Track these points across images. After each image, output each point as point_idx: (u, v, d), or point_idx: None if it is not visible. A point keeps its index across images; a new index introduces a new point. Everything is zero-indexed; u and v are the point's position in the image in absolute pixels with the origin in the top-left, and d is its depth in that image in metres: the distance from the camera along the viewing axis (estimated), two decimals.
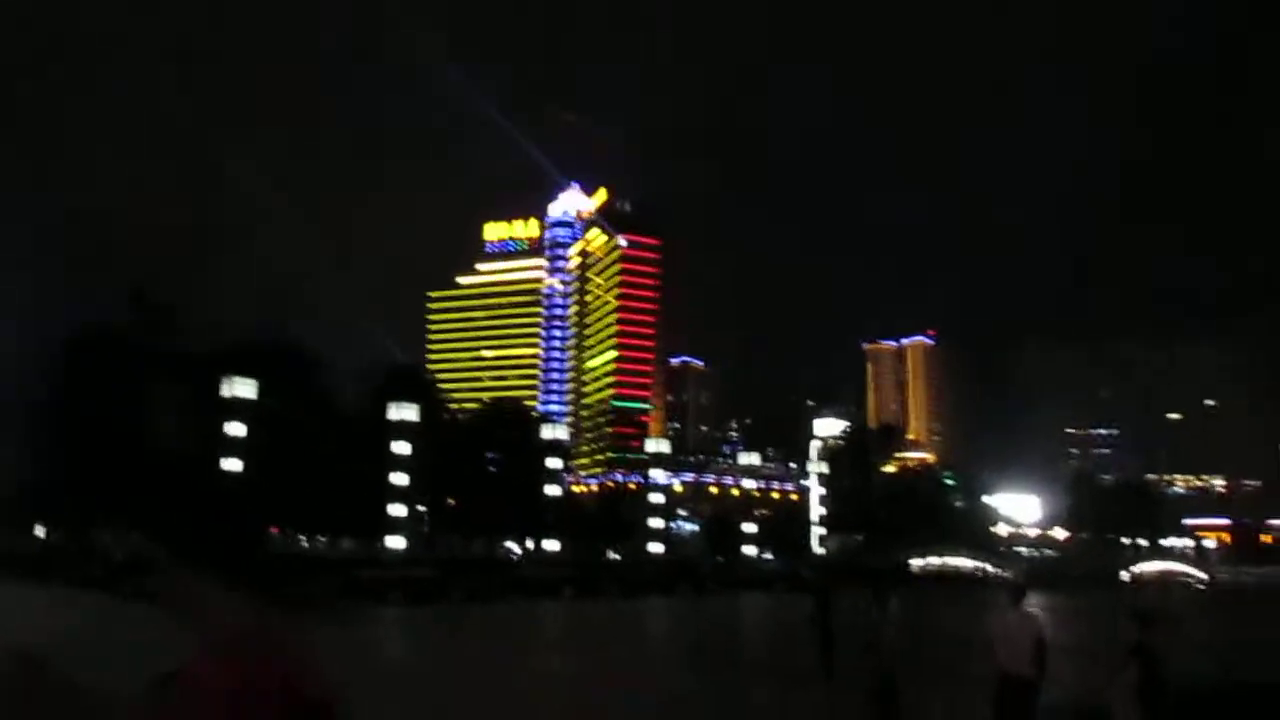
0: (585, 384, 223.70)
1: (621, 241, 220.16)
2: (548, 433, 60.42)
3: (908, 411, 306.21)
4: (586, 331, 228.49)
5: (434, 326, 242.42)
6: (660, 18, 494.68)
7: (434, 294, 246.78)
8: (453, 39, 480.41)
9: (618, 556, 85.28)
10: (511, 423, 76.48)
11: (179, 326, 56.04)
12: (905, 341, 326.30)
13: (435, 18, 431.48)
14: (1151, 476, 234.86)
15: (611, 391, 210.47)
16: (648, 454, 71.40)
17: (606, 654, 25.60)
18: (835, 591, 20.38)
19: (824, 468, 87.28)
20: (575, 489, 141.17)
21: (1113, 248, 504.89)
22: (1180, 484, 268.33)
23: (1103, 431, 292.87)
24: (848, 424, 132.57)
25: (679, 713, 16.12)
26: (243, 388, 45.71)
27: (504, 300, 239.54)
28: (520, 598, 45.61)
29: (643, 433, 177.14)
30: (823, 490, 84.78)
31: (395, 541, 51.66)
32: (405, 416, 50.83)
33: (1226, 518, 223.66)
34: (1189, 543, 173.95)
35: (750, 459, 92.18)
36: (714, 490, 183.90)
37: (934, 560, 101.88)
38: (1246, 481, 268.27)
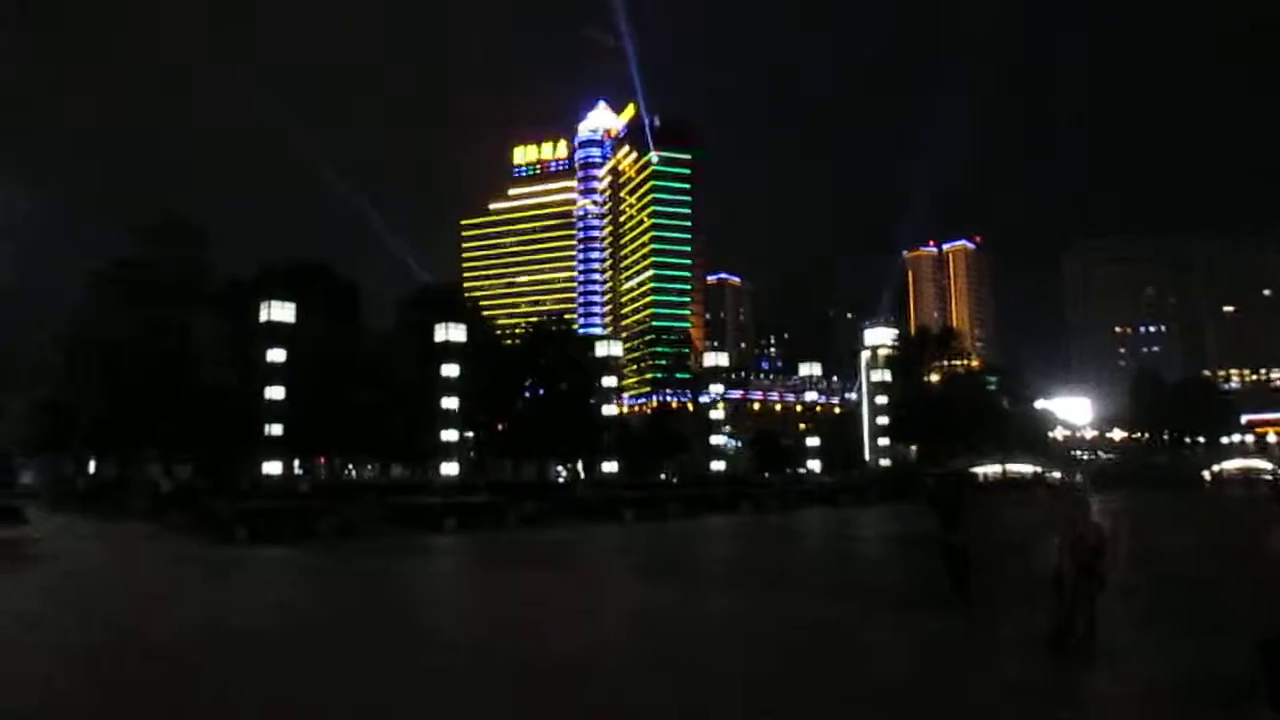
0: (623, 305, 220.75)
1: (652, 158, 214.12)
2: (602, 349, 57.46)
3: (950, 318, 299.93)
4: (622, 252, 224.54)
5: (468, 253, 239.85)
6: None
7: (467, 221, 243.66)
8: None
9: (663, 476, 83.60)
10: (560, 341, 74.01)
11: (209, 252, 54.00)
12: (947, 246, 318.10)
13: None
14: (1206, 373, 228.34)
15: (650, 311, 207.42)
16: (705, 368, 68.45)
17: (701, 578, 23.14)
18: (965, 505, 17.37)
19: (884, 375, 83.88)
20: (619, 410, 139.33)
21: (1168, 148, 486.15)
22: (1236, 378, 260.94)
23: (1151, 329, 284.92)
24: (897, 332, 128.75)
25: (830, 643, 13.60)
26: (280, 311, 43.39)
27: (537, 224, 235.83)
28: (579, 521, 43.67)
29: (684, 351, 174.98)
30: (883, 399, 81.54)
31: (448, 468, 49.74)
32: (453, 337, 48.27)
33: None
34: (1248, 439, 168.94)
35: (813, 369, 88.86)
36: (756, 407, 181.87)
37: (994, 468, 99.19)
38: None
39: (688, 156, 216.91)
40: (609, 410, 57.72)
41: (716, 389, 66.12)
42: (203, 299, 50.54)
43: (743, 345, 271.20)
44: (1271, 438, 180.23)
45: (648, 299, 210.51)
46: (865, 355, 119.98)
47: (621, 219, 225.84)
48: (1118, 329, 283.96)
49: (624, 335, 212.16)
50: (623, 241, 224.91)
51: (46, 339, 54.88)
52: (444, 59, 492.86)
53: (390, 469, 76.45)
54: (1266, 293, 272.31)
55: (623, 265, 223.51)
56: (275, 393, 43.84)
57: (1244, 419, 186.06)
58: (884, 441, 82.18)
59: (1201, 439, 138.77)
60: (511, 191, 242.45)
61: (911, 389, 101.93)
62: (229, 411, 46.40)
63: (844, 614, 16.22)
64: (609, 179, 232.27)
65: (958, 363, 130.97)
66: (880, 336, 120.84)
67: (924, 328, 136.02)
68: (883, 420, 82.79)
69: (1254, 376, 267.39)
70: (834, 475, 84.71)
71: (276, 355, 43.77)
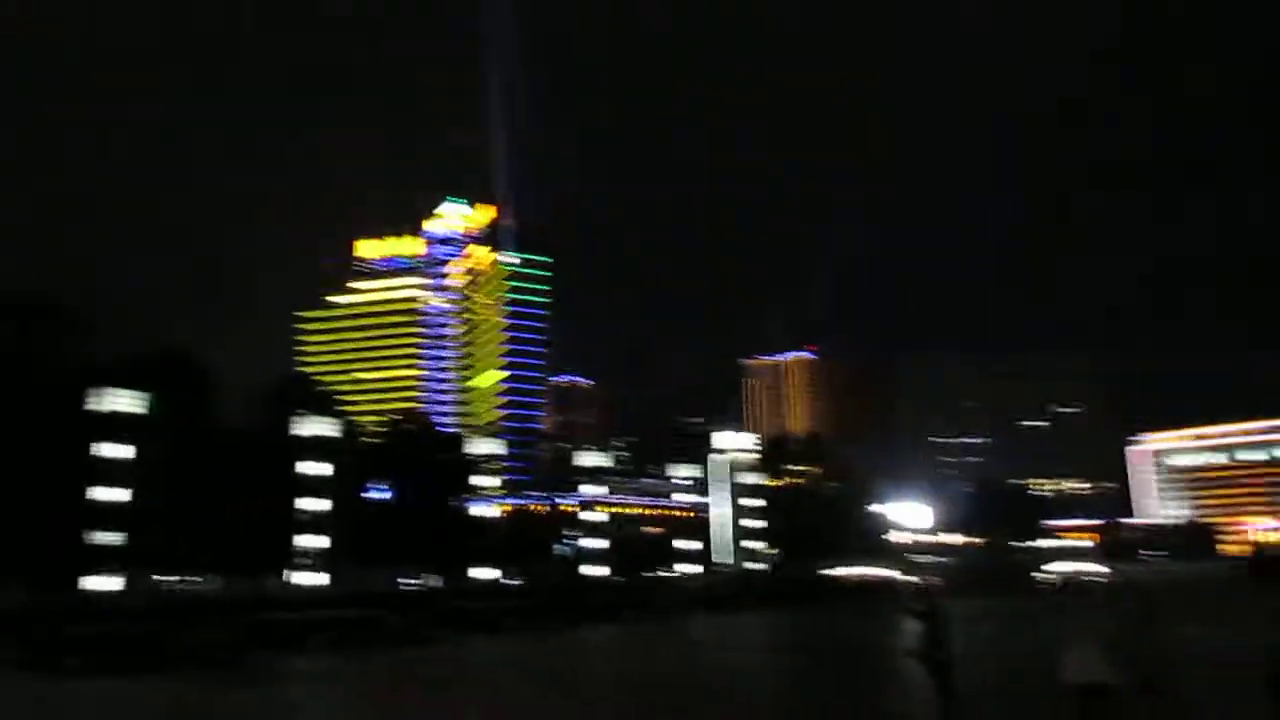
0: (473, 404, 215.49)
1: (508, 259, 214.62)
2: (481, 447, 54.28)
3: (788, 425, 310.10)
4: (473, 351, 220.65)
5: (305, 348, 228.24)
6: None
7: (305, 314, 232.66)
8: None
9: (517, 581, 79.52)
10: (420, 439, 69.57)
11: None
12: (785, 357, 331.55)
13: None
14: (1014, 481, 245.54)
15: (503, 413, 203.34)
16: (583, 468, 66.22)
17: (664, 709, 20.69)
18: (947, 615, 15.98)
19: (754, 478, 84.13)
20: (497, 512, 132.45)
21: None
22: (1042, 488, 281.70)
23: (972, 440, 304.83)
24: (757, 437, 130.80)
25: None
26: (125, 402, 38.19)
27: (384, 320, 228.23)
28: (458, 634, 39.87)
29: (541, 453, 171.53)
30: (752, 501, 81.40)
31: (305, 578, 44.70)
32: (319, 432, 44.08)
33: (1087, 518, 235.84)
34: (1054, 543, 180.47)
35: (689, 469, 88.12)
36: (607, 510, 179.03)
37: (852, 570, 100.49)
38: (1106, 484, 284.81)
39: (543, 259, 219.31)
40: (485, 511, 54.27)
41: (595, 490, 64.05)
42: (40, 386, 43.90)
43: (592, 448, 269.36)
44: (1082, 542, 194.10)
45: (500, 399, 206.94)
46: (718, 459, 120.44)
47: (474, 318, 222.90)
48: (941, 439, 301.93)
49: (475, 436, 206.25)
50: (475, 341, 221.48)
51: None
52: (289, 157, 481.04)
53: (231, 580, 68.49)
54: (1065, 410, 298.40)
55: (474, 365, 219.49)
56: (108, 494, 38.34)
57: (1047, 524, 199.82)
58: (757, 545, 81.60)
59: (1029, 542, 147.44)
60: (356, 285, 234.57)
61: (771, 493, 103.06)
62: (57, 517, 39.95)
63: None
64: (462, 278, 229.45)
65: (807, 468, 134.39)
66: (735, 440, 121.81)
67: (788, 433, 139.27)
68: (748, 523, 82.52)
69: (1056, 486, 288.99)
70: (696, 579, 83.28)
71: (113, 451, 38.49)
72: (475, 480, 53.51)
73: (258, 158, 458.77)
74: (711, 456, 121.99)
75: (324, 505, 43.78)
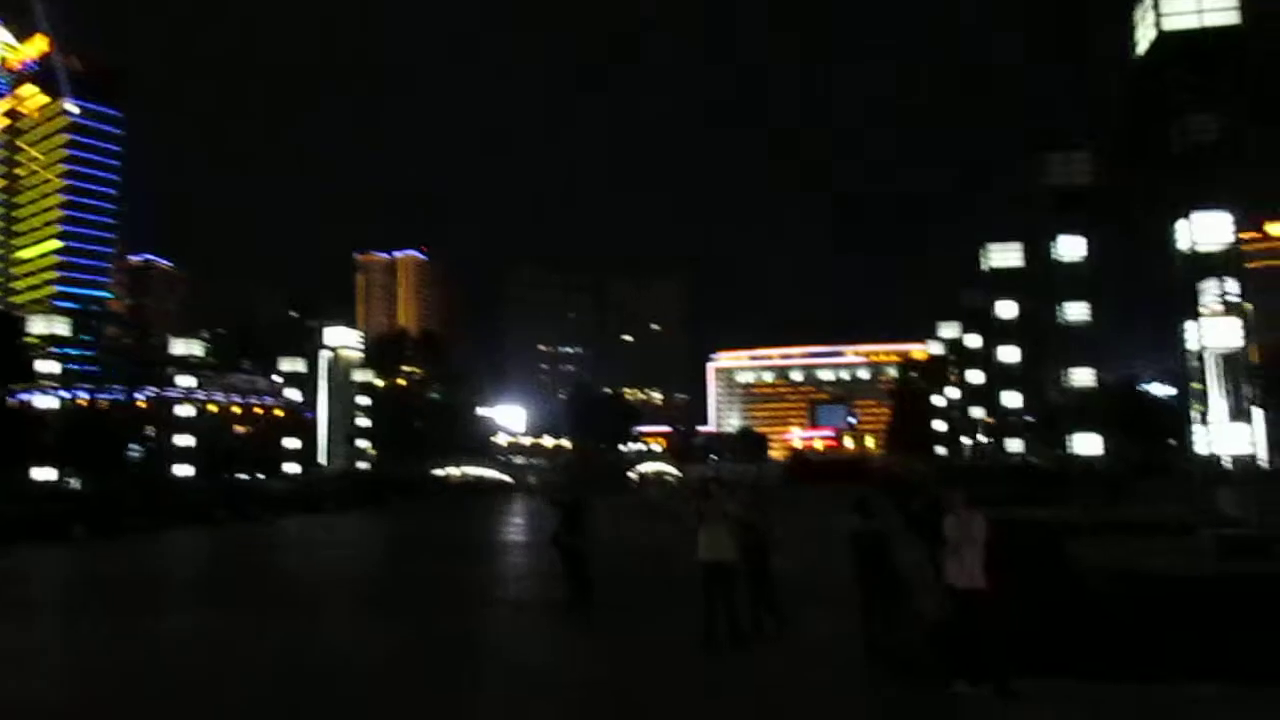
0: (17, 277, 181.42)
1: (70, 107, 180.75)
2: (37, 326, 45.02)
3: (400, 324, 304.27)
4: (18, 214, 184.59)
5: None
6: None
7: None
8: None
9: (78, 483, 70.09)
10: None
11: None
12: (397, 254, 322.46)
13: None
14: (609, 390, 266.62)
15: (54, 290, 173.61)
16: (170, 357, 58.41)
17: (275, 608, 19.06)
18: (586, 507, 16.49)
19: (365, 376, 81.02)
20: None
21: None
22: (629, 396, 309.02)
23: (570, 350, 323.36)
24: (362, 334, 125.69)
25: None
26: None
27: None
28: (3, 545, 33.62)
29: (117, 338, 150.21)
30: (363, 400, 78.60)
31: None
32: None
33: (670, 425, 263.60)
34: (639, 447, 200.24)
35: (294, 364, 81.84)
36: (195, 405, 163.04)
37: (454, 470, 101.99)
38: (679, 395, 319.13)
39: (117, 114, 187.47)
40: (42, 403, 46.05)
41: (187, 381, 57.27)
42: None
43: (169, 336, 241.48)
44: (656, 446, 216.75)
45: (52, 274, 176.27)
46: (326, 355, 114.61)
47: (18, 171, 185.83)
48: (543, 346, 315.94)
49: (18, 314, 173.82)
50: (19, 200, 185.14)
51: None
52: None
53: None
54: (654, 326, 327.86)
55: (17, 229, 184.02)
56: None
57: (637, 430, 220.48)
58: (364, 444, 79.29)
59: (621, 446, 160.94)
60: None
61: (380, 392, 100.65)
62: None
63: (491, 623, 14.64)
64: (4, 120, 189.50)
65: (417, 369, 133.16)
66: (343, 337, 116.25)
67: (399, 331, 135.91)
68: (356, 422, 79.91)
69: (641, 395, 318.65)
70: (292, 480, 79.44)
71: None
72: (44, 365, 44.73)
73: None
74: (321, 353, 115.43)
75: None
